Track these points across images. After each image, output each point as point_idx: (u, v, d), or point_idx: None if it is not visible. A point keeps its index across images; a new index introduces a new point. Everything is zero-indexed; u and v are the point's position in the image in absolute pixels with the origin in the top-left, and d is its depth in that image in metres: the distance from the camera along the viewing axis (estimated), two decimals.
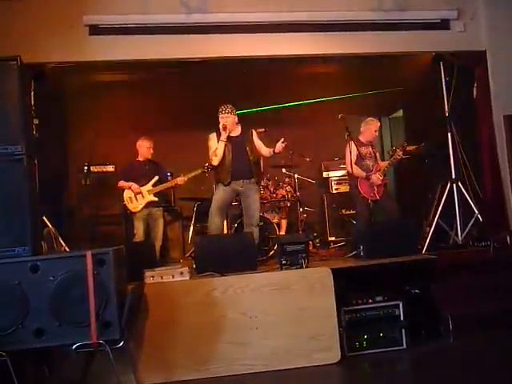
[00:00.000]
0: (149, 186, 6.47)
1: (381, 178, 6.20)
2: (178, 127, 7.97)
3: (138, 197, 6.44)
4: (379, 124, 6.55)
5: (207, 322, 4.28)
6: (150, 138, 6.68)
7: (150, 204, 6.47)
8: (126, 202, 6.47)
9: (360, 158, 6.23)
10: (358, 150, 6.22)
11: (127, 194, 6.47)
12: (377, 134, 6.54)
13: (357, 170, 6.23)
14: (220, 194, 5.83)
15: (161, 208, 6.62)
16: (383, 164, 6.36)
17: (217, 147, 5.75)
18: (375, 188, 6.17)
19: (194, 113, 7.54)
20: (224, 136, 5.73)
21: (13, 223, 3.55)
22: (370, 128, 6.40)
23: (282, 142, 5.65)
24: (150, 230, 6.53)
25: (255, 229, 5.79)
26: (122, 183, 6.53)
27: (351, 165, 6.23)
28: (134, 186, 6.42)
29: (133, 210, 6.45)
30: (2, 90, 3.64)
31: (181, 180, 6.51)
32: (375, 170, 6.23)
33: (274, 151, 5.76)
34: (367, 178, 6.19)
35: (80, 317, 3.44)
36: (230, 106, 5.81)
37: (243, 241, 5.13)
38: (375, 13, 6.27)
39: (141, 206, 6.43)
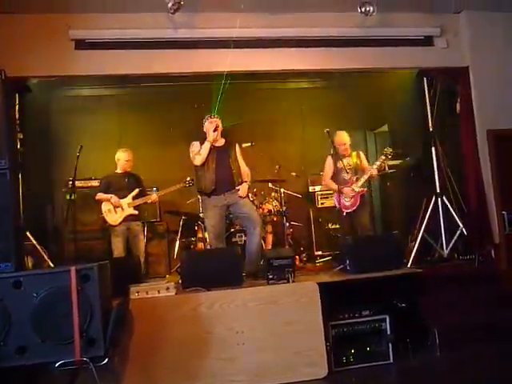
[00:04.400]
0: (129, 198, 6.34)
1: (356, 190, 6.17)
2: (162, 141, 7.94)
3: (117, 210, 6.29)
4: (344, 136, 6.45)
5: (193, 337, 4.24)
6: (129, 149, 6.58)
7: (129, 217, 6.32)
8: (104, 215, 6.31)
9: (337, 171, 6.35)
10: (335, 164, 6.35)
11: (106, 206, 6.31)
12: (343, 146, 6.39)
13: (330, 184, 6.43)
14: (212, 219, 5.72)
15: (139, 223, 6.48)
16: (369, 171, 6.26)
17: (201, 148, 5.72)
18: (348, 200, 6.21)
19: (179, 127, 7.54)
20: (212, 136, 5.70)
21: None
22: (338, 140, 6.40)
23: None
24: (131, 245, 6.37)
25: (259, 233, 5.72)
26: (100, 196, 6.36)
27: (325, 179, 6.47)
28: (115, 198, 6.27)
29: (112, 224, 6.27)
30: None
31: (154, 198, 6.47)
32: (351, 183, 6.24)
33: (244, 182, 5.79)
34: (340, 191, 6.26)
35: (63, 334, 3.37)
36: None
37: (229, 256, 5.10)
38: (360, 29, 6.35)
39: (120, 220, 6.27)
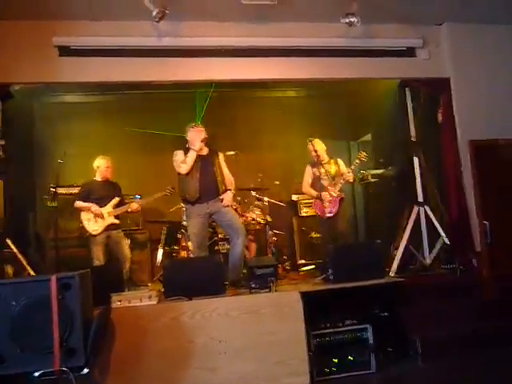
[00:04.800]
0: (109, 207, 6.30)
1: (334, 195, 6.37)
2: (145, 149, 7.91)
3: (97, 219, 6.23)
4: (317, 144, 6.58)
5: (175, 346, 4.23)
6: (107, 156, 6.55)
7: (110, 227, 6.26)
8: (84, 224, 6.24)
9: (316, 179, 6.56)
10: (313, 171, 6.57)
11: (86, 215, 6.23)
12: (316, 153, 6.46)
13: (309, 191, 6.66)
14: (195, 227, 5.70)
15: (120, 230, 6.42)
16: (346, 175, 6.43)
17: (187, 156, 5.71)
18: (327, 205, 6.35)
19: (162, 135, 7.53)
20: (198, 146, 5.70)
21: None
22: (310, 148, 6.53)
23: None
24: (115, 253, 6.31)
25: (242, 242, 5.69)
26: (79, 204, 6.27)
27: (304, 186, 6.70)
28: (95, 207, 6.19)
29: (92, 233, 6.18)
30: None
31: (136, 207, 6.44)
32: (329, 189, 6.40)
33: (228, 190, 5.81)
34: (319, 198, 6.44)
35: (43, 343, 3.34)
36: None
37: (212, 264, 5.08)
38: (343, 39, 6.39)
39: (101, 229, 6.19)
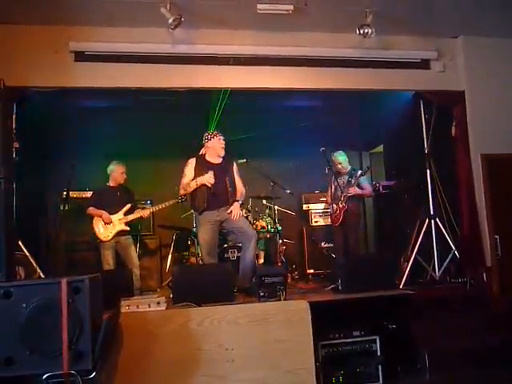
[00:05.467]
0: (120, 214, 6.34)
1: (340, 206, 6.76)
2: (158, 155, 7.96)
3: (108, 226, 6.28)
4: (340, 156, 7.04)
5: (182, 353, 4.21)
6: (121, 162, 6.60)
7: (120, 233, 6.31)
8: (95, 230, 6.30)
9: (335, 189, 6.99)
10: (332, 182, 6.99)
11: (97, 221, 6.30)
12: (339, 166, 7.00)
13: (329, 201, 7.18)
14: (206, 234, 5.72)
15: (129, 236, 6.45)
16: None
17: (193, 179, 5.71)
18: (335, 215, 6.86)
19: (176, 141, 7.57)
20: (208, 180, 5.66)
21: None
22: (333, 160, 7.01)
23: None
24: (123, 259, 6.36)
25: (254, 247, 5.72)
26: (92, 210, 6.34)
27: (327, 197, 7.31)
28: (105, 215, 6.26)
29: (103, 239, 6.25)
30: None
31: (146, 214, 6.50)
32: (338, 199, 6.80)
33: (235, 201, 5.81)
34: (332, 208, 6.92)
35: (52, 346, 3.33)
36: None
37: (221, 272, 5.09)
38: (358, 50, 6.39)
39: (111, 235, 6.26)
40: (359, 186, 6.84)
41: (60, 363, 3.31)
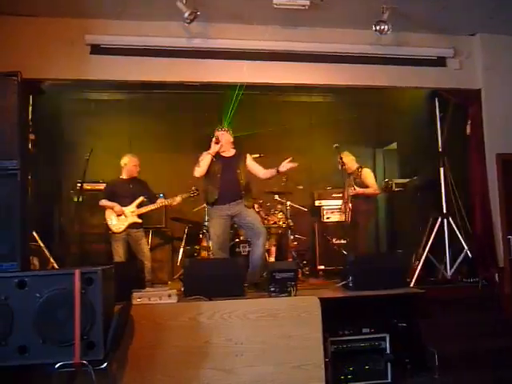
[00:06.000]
0: (132, 206, 6.34)
1: (349, 205, 6.72)
2: (172, 148, 7.99)
3: (120, 218, 6.30)
4: (345, 156, 6.84)
5: (192, 346, 4.24)
6: (136, 155, 6.61)
7: (132, 225, 6.33)
8: (108, 222, 6.32)
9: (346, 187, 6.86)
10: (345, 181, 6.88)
11: (109, 213, 6.32)
12: (345, 166, 6.78)
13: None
14: (217, 229, 5.73)
15: (141, 229, 6.46)
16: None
17: (202, 159, 5.75)
18: (346, 213, 6.80)
19: (189, 135, 7.60)
20: (213, 149, 5.73)
21: (3, 238, 3.52)
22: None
23: (290, 162, 5.65)
24: (135, 251, 6.37)
25: (263, 244, 5.72)
26: (104, 202, 6.36)
27: (344, 195, 6.98)
28: (117, 207, 6.27)
29: (115, 231, 6.27)
30: (1, 105, 3.63)
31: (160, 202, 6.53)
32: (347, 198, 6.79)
33: (278, 170, 5.73)
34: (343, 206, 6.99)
35: (64, 335, 3.38)
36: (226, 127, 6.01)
37: (232, 266, 5.11)
38: (374, 47, 6.37)
39: (123, 227, 6.26)
40: (363, 184, 6.77)
41: (72, 353, 3.36)
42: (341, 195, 7.35)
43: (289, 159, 5.67)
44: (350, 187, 6.70)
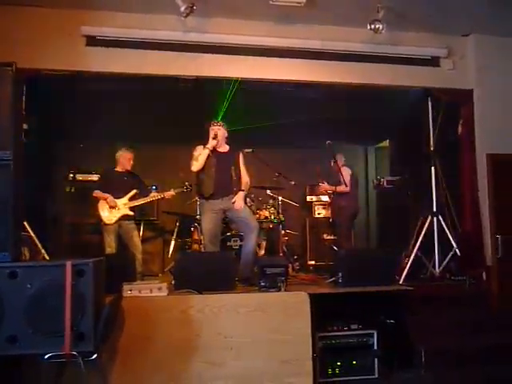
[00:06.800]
0: (125, 199, 6.38)
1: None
2: (166, 141, 7.99)
3: (112, 209, 6.33)
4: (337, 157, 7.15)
5: (182, 339, 4.27)
6: (131, 149, 6.65)
7: (124, 217, 6.36)
8: (100, 213, 6.35)
9: None
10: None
11: (102, 204, 6.35)
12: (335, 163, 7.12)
13: None
14: (209, 223, 5.73)
15: (132, 221, 6.49)
16: None
17: (200, 153, 5.76)
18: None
19: (183, 128, 7.59)
20: (211, 144, 5.75)
21: None
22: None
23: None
24: (126, 243, 6.39)
25: (255, 238, 5.73)
26: (97, 193, 6.39)
27: None
28: (111, 198, 6.31)
29: (106, 222, 6.30)
30: None
31: (155, 195, 6.56)
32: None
33: (240, 191, 5.79)
34: None
35: (55, 326, 3.39)
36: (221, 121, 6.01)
37: (223, 260, 5.13)
38: (368, 45, 6.40)
39: (115, 219, 6.30)
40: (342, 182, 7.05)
41: (62, 344, 3.38)
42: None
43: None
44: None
